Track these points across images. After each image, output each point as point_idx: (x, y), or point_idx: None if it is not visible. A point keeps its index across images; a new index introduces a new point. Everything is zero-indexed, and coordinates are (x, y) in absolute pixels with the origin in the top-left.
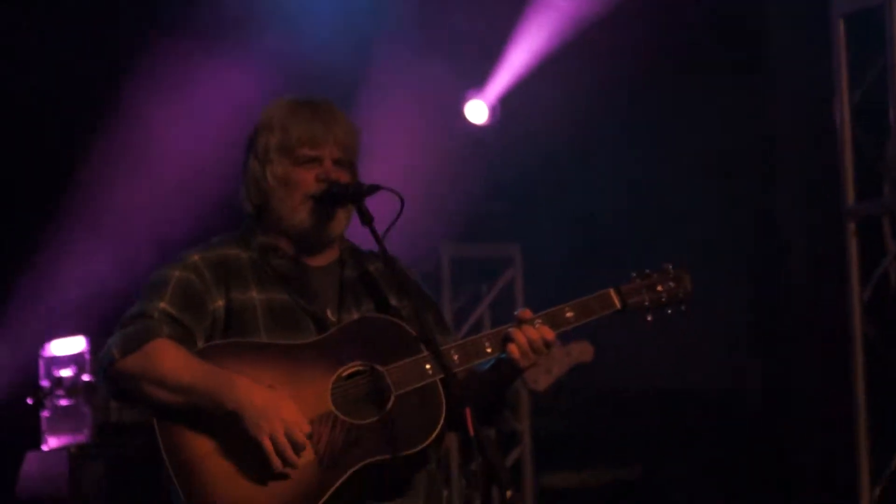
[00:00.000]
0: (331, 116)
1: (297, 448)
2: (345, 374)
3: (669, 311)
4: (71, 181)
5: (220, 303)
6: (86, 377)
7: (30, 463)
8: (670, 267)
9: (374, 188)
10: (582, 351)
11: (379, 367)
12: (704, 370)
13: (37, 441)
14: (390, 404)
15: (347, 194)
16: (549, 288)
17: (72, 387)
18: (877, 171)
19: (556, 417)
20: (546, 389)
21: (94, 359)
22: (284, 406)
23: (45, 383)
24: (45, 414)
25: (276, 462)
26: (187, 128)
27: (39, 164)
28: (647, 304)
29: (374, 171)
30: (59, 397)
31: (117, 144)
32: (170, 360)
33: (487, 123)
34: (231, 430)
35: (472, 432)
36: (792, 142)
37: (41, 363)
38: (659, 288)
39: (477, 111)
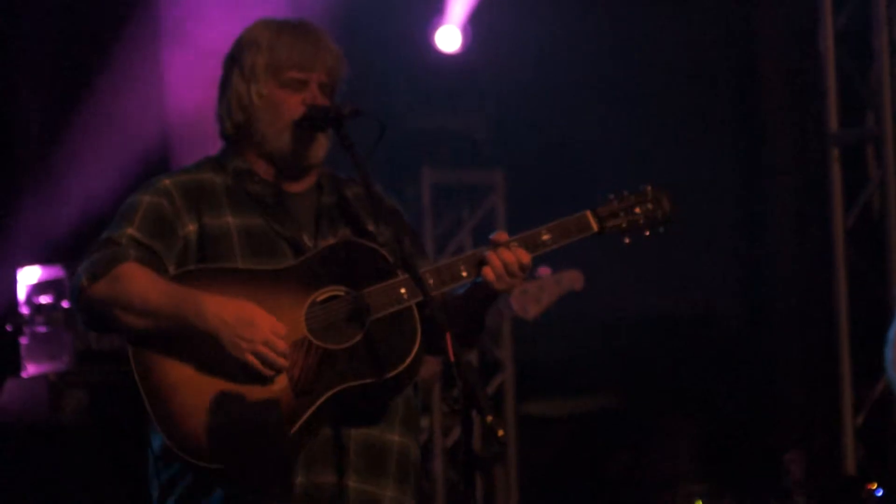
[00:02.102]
0: (320, 40)
1: (280, 352)
2: (319, 298)
3: (647, 234)
4: (66, 99)
5: (192, 227)
6: (65, 304)
7: (9, 389)
8: (649, 188)
9: (355, 112)
10: (572, 279)
11: (354, 292)
12: (686, 297)
13: (16, 368)
14: (365, 329)
15: (328, 117)
16: (532, 213)
17: (51, 314)
18: (861, 98)
19: (538, 345)
20: (535, 318)
21: (69, 281)
22: (257, 316)
23: (24, 310)
24: (24, 341)
25: (267, 373)
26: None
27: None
28: (624, 226)
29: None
30: (39, 324)
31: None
32: (138, 283)
33: (460, 50)
34: (204, 354)
35: (452, 358)
36: (776, 67)
37: (20, 289)
38: (637, 210)
39: (448, 38)
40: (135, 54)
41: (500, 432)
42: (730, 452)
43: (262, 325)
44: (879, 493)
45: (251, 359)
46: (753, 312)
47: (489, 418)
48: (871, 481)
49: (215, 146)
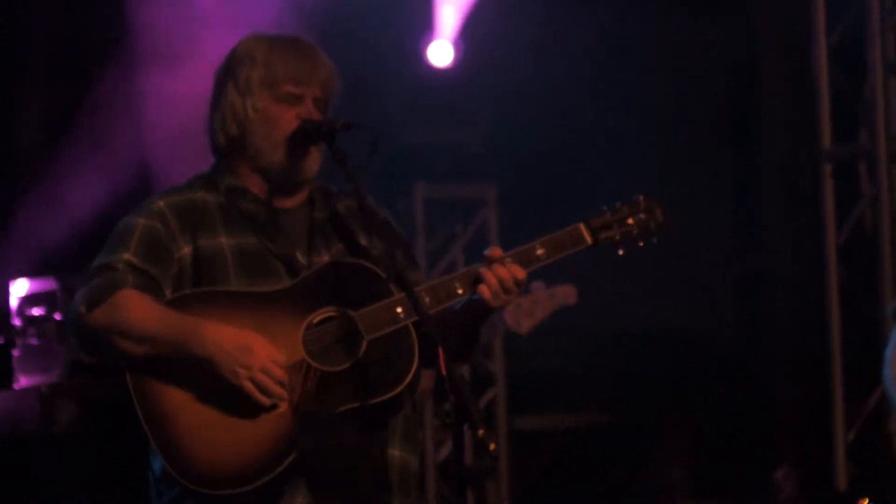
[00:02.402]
0: (315, 56)
1: (278, 380)
2: (316, 320)
3: (641, 244)
4: (62, 120)
5: (187, 250)
6: (57, 316)
7: (1, 402)
8: (641, 198)
9: (348, 125)
10: (566, 294)
11: (350, 313)
12: (680, 312)
13: (8, 380)
14: (362, 350)
15: (320, 131)
16: (525, 227)
17: (43, 326)
18: (854, 114)
19: (530, 359)
20: (528, 332)
21: (66, 299)
22: (255, 343)
23: (16, 322)
24: (15, 353)
25: (264, 401)
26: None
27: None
28: (617, 237)
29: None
30: (31, 336)
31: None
32: (135, 310)
33: (452, 64)
34: (203, 380)
35: (444, 372)
36: (770, 83)
37: (12, 301)
38: (630, 221)
39: (440, 52)
40: (118, 75)
41: (492, 446)
42: (722, 467)
43: (260, 352)
44: None
45: (248, 385)
46: (746, 327)
47: (481, 432)
48: (863, 497)
49: (196, 164)
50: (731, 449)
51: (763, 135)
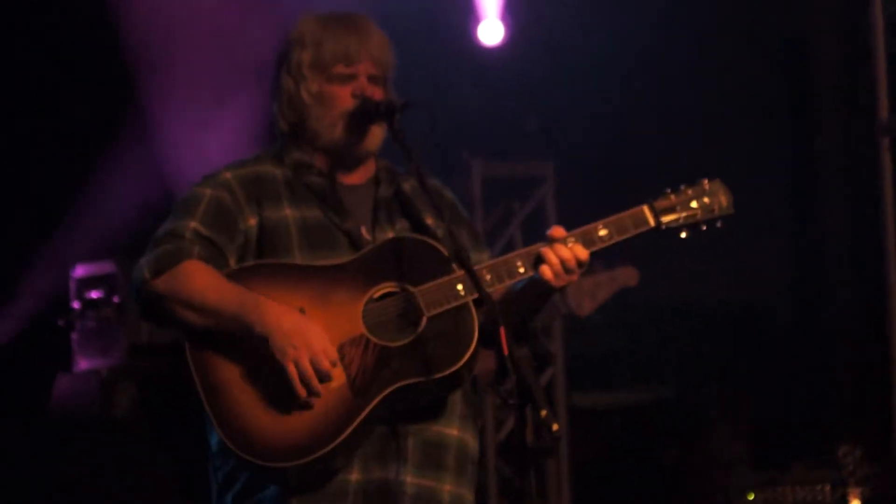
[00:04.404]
0: (364, 31)
1: (323, 377)
2: (377, 295)
3: (705, 228)
4: (118, 105)
5: (253, 221)
6: (116, 299)
7: (61, 384)
8: (706, 181)
9: (407, 105)
10: (627, 276)
11: (410, 288)
12: (739, 288)
13: (68, 363)
14: (422, 326)
15: (380, 111)
16: (582, 206)
17: (102, 309)
18: None
19: (588, 337)
20: (589, 314)
21: (125, 281)
22: (313, 332)
23: (75, 305)
24: (74, 336)
25: (301, 390)
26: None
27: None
28: (681, 221)
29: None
30: (90, 319)
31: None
32: (199, 281)
33: (503, 42)
34: (260, 354)
35: (506, 351)
36: (827, 56)
37: (72, 285)
38: (694, 204)
39: (490, 31)
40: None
41: (555, 426)
42: (783, 443)
43: (313, 342)
44: None
45: (291, 368)
46: (805, 303)
47: (544, 413)
48: None
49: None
50: (791, 424)
51: (820, 107)
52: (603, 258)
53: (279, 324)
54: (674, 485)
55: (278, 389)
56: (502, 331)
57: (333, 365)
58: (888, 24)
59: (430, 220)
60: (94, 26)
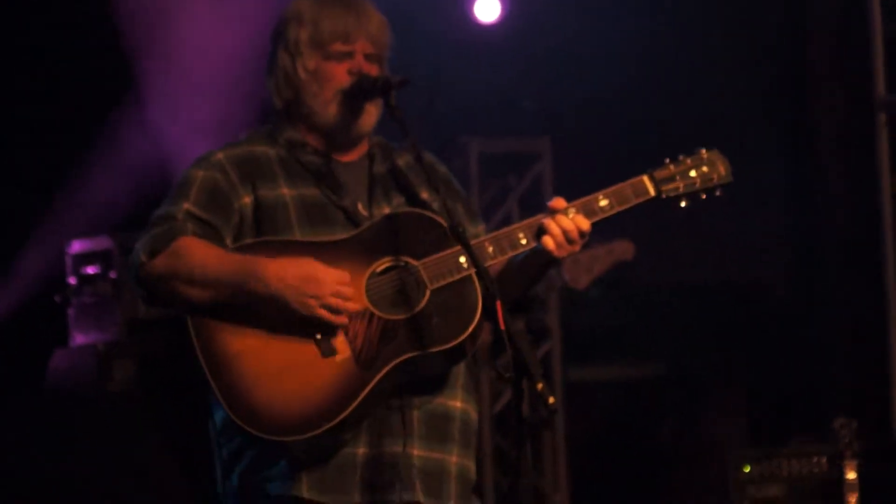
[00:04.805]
0: (363, 10)
1: (350, 298)
2: (379, 269)
3: (704, 197)
4: (113, 81)
5: (247, 199)
6: (113, 274)
7: (58, 359)
8: (703, 151)
9: (404, 81)
10: (624, 249)
11: (413, 262)
12: (735, 265)
13: (64, 339)
14: (425, 299)
15: (376, 87)
16: (579, 182)
17: (99, 284)
18: None
19: (585, 312)
20: (586, 288)
21: (121, 256)
22: (318, 270)
23: (71, 280)
24: (71, 312)
25: (341, 320)
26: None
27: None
28: (681, 190)
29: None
30: (86, 295)
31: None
32: (197, 255)
33: (499, 19)
34: (266, 321)
35: (502, 325)
36: (824, 32)
37: (68, 260)
38: (693, 174)
39: (487, 8)
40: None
41: (551, 399)
42: (779, 418)
43: (325, 278)
44: None
45: (322, 312)
46: (802, 279)
47: (540, 386)
48: None
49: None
50: (788, 401)
51: (817, 84)
52: (599, 233)
53: (284, 280)
54: (670, 459)
55: (286, 362)
56: (498, 304)
57: (346, 334)
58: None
59: (425, 195)
60: (89, 3)
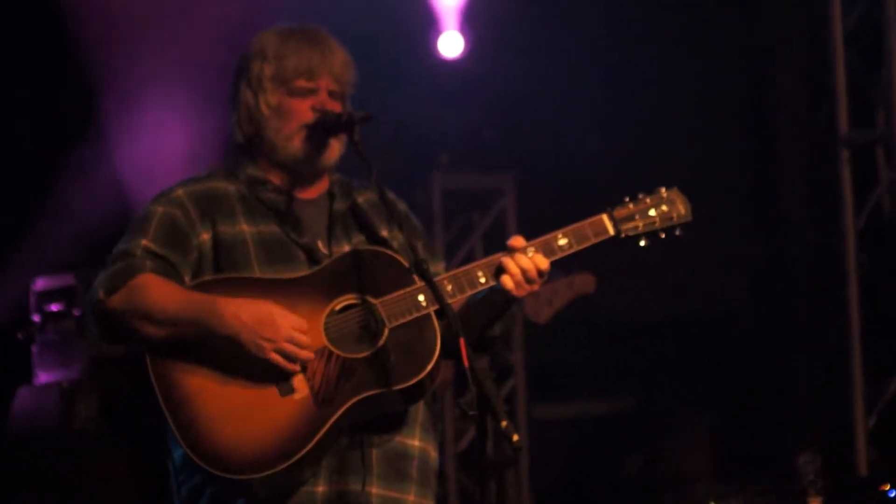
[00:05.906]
0: (327, 47)
1: (304, 346)
2: (338, 307)
3: (663, 236)
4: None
5: (206, 236)
6: (76, 312)
7: (21, 398)
8: (663, 189)
9: (367, 117)
10: (584, 282)
11: (372, 300)
12: (699, 299)
13: (28, 377)
14: (384, 337)
15: (340, 123)
16: (542, 218)
17: (62, 322)
18: (871, 99)
19: (549, 349)
20: (546, 322)
21: (85, 293)
22: (275, 314)
23: (35, 318)
24: (35, 349)
25: (294, 368)
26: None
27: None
28: (640, 229)
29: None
30: (50, 332)
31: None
32: (155, 293)
33: (463, 55)
34: (224, 361)
35: (466, 363)
36: (787, 69)
37: (32, 298)
38: (652, 212)
39: (450, 43)
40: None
41: (516, 437)
42: (743, 453)
43: (282, 322)
44: (892, 494)
45: (275, 357)
46: (765, 313)
47: (504, 424)
48: (884, 482)
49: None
50: (752, 435)
51: (781, 121)
52: (560, 266)
53: (240, 319)
54: (634, 496)
55: (243, 399)
56: (462, 342)
57: (304, 372)
58: (847, 37)
59: (385, 233)
60: (50, 41)
